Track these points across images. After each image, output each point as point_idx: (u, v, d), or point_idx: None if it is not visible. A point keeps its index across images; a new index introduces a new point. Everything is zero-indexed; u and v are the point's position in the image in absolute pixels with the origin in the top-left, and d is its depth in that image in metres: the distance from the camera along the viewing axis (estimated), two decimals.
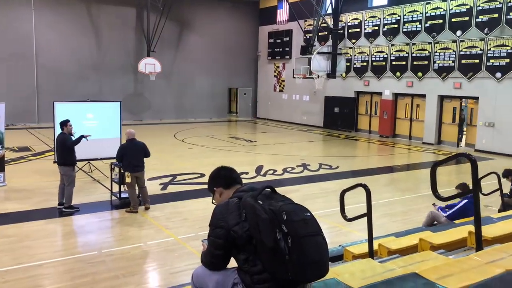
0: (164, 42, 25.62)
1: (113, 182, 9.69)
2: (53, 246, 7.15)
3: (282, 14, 26.97)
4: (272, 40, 28.38)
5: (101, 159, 11.79)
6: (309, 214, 2.31)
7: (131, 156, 8.88)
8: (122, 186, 9.32)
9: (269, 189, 2.45)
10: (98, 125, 11.78)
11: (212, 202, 2.75)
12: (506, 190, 8.50)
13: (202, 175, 12.23)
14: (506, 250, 2.74)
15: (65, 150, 8.87)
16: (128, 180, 8.79)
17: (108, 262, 6.52)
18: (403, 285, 2.28)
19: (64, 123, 9.05)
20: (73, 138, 9.02)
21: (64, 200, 8.87)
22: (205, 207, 9.22)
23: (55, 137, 10.08)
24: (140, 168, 8.98)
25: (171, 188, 10.98)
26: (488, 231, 4.35)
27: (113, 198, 9.61)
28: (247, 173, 12.49)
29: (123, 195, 9.40)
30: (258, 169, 13.28)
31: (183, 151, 16.43)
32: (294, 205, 2.33)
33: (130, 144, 8.99)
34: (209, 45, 27.98)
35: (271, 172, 12.99)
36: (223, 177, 2.74)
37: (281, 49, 27.65)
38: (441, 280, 2.25)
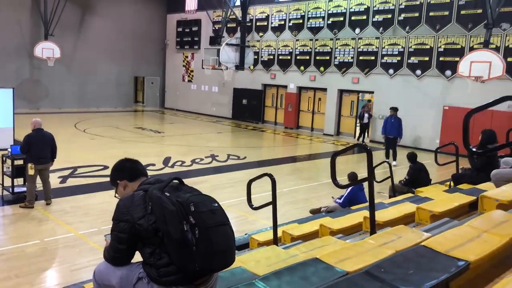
0: (64, 26, 23.90)
1: (4, 176, 8.90)
2: None
3: (191, 3, 26.55)
4: (180, 29, 27.88)
5: None
6: (216, 204, 2.31)
7: (37, 147, 8.24)
8: (16, 179, 8.61)
9: (176, 181, 2.41)
10: None
11: (115, 196, 2.65)
12: (398, 178, 9.31)
13: (106, 167, 11.71)
14: (396, 232, 3.02)
15: None
16: (31, 172, 8.14)
17: None
18: (305, 270, 2.41)
19: None
20: None
21: None
22: (109, 200, 8.84)
23: None
24: (45, 160, 8.37)
25: (71, 181, 10.37)
26: (380, 215, 4.73)
27: (5, 192, 8.83)
28: (154, 164, 12.21)
29: (17, 190, 8.68)
30: (166, 161, 13.05)
31: (85, 142, 15.57)
32: (201, 196, 2.32)
33: (37, 134, 8.31)
34: (114, 31, 26.69)
35: (179, 163, 12.84)
36: (128, 169, 2.65)
37: (190, 39, 27.28)
38: (340, 263, 2.42)
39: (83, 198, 9.13)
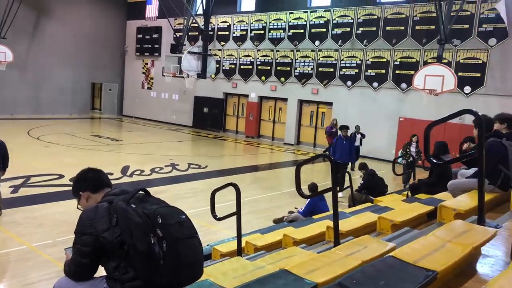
0: (18, 29, 22.97)
1: None
2: None
3: (152, 10, 26.27)
4: (140, 36, 27.46)
5: None
6: (184, 216, 2.26)
7: None
8: None
9: (142, 192, 2.34)
10: None
11: (78, 208, 2.54)
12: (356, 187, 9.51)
13: (61, 176, 11.28)
14: (361, 242, 3.06)
15: None
16: None
17: None
18: (275, 282, 2.40)
19: None
20: None
21: None
22: (65, 210, 8.53)
23: None
24: None
25: (24, 191, 9.91)
26: (343, 225, 4.77)
27: None
28: (112, 174, 11.87)
29: None
30: (124, 170, 12.73)
31: (39, 150, 14.96)
32: (169, 208, 2.26)
33: None
34: (71, 36, 25.93)
35: (138, 172, 12.56)
36: (91, 180, 2.55)
37: (150, 46, 26.91)
38: (309, 274, 2.42)
39: (37, 209, 8.73)
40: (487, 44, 15.33)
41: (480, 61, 15.50)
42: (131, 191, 2.33)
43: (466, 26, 15.70)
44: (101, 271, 2.33)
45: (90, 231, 2.22)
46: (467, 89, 15.71)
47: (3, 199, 8.51)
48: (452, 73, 14.28)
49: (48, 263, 6.28)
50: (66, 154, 14.53)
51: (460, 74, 15.39)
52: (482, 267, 2.71)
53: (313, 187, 8.13)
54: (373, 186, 9.27)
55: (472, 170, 5.54)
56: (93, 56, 27.14)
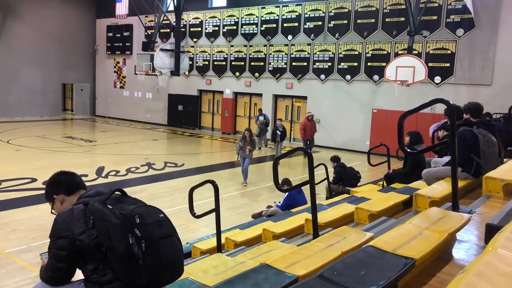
0: None
1: None
2: None
3: (122, 7, 25.81)
4: (111, 34, 26.96)
5: None
6: (162, 215, 2.24)
7: None
8: None
9: (118, 192, 2.30)
10: None
11: (52, 212, 2.48)
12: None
13: (34, 179, 11.01)
14: (340, 234, 3.10)
15: None
16: None
17: None
18: (256, 277, 2.39)
19: None
20: None
21: None
22: (39, 215, 8.34)
23: None
24: None
25: None
26: (321, 217, 4.82)
27: None
28: (86, 175, 11.67)
29: None
30: (99, 171, 12.51)
31: (9, 154, 14.56)
32: (146, 207, 2.24)
33: None
34: (39, 36, 25.24)
35: (113, 173, 12.36)
36: (64, 183, 2.49)
37: (121, 44, 26.46)
38: (290, 268, 2.43)
39: (10, 214, 8.49)
40: (455, 35, 15.68)
41: (449, 51, 15.84)
42: (106, 192, 2.29)
43: (435, 17, 16.01)
44: (78, 275, 2.29)
45: (66, 234, 2.17)
46: (437, 79, 16.04)
47: None
48: (422, 63, 14.57)
49: (23, 269, 6.12)
50: (38, 157, 14.18)
51: (430, 64, 15.70)
52: (458, 252, 2.78)
53: (286, 181, 8.15)
54: (347, 177, 9.45)
55: (445, 158, 5.67)
56: (62, 56, 26.51)
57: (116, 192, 2.30)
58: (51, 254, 2.22)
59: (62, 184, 2.48)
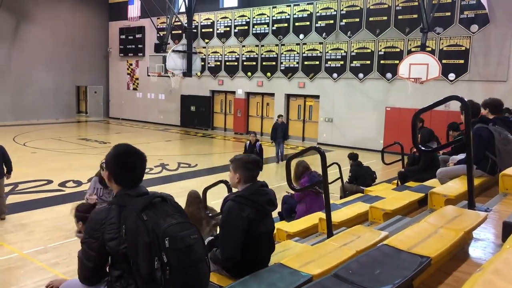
0: None
1: None
2: None
3: (134, 10, 26.01)
4: (123, 37, 27.21)
5: None
6: (196, 235, 2.13)
7: None
8: None
9: (159, 198, 2.19)
10: None
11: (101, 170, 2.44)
12: (346, 178, 9.55)
13: (49, 181, 11.16)
14: (354, 233, 3.08)
15: None
16: None
17: None
18: (271, 276, 2.40)
19: None
20: None
21: None
22: (55, 216, 8.46)
23: None
24: None
25: (12, 198, 9.76)
26: (335, 216, 4.80)
27: None
28: None
29: None
30: None
31: (25, 156, 14.77)
32: (181, 225, 2.12)
33: None
34: (53, 39, 25.59)
35: None
36: (119, 170, 2.29)
37: (133, 46, 26.69)
38: (304, 267, 2.43)
39: (27, 215, 8.62)
40: (469, 31, 15.49)
41: (463, 48, 15.65)
42: (146, 195, 2.20)
43: (448, 13, 15.83)
44: None
45: (98, 235, 2.14)
46: (452, 76, 15.86)
47: None
48: (436, 61, 14.42)
49: (41, 269, 6.21)
50: (53, 159, 14.37)
51: (444, 61, 15.53)
52: (475, 250, 2.74)
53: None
54: (362, 176, 9.34)
55: (460, 156, 5.60)
56: (76, 59, 26.84)
57: (156, 198, 2.19)
58: (83, 251, 2.21)
59: (117, 169, 2.30)
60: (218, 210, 4.95)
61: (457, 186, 4.36)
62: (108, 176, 2.31)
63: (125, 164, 2.28)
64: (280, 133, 15.40)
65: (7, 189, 10.36)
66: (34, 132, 20.76)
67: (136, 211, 2.08)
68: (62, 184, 10.93)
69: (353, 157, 9.82)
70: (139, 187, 2.28)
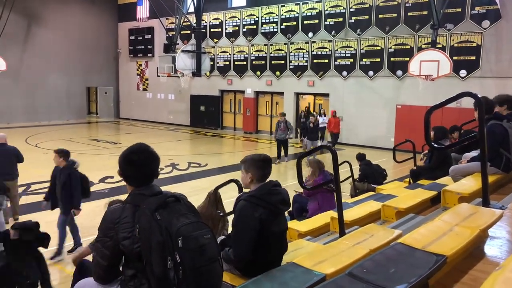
0: (9, 38, 22.84)
1: None
2: None
3: (142, 10, 26.16)
4: (133, 37, 27.36)
5: None
6: (209, 235, 2.13)
7: (1, 162, 7.98)
8: None
9: (172, 198, 2.19)
10: None
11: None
12: (356, 177, 9.50)
13: None
14: (367, 231, 3.05)
15: None
16: None
17: None
18: (283, 275, 2.38)
19: None
20: None
21: None
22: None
23: None
24: (11, 176, 8.14)
25: (26, 199, 9.88)
26: (347, 215, 4.77)
27: None
28: (112, 177, 11.84)
29: None
30: None
31: (37, 157, 14.91)
32: (194, 224, 2.11)
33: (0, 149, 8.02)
34: (63, 41, 25.82)
35: None
36: (134, 172, 2.31)
37: (143, 47, 26.82)
38: (317, 266, 2.41)
39: (40, 216, 8.67)
40: (480, 27, 15.31)
41: (475, 44, 15.47)
42: (161, 197, 2.20)
43: (459, 9, 15.66)
44: None
45: (112, 234, 2.14)
46: (463, 72, 15.69)
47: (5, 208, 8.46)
48: (447, 57, 14.26)
49: (53, 269, 6.25)
50: None
51: (455, 58, 15.37)
52: (491, 249, 2.70)
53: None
54: (372, 175, 9.27)
55: (473, 153, 5.52)
56: (86, 61, 27.05)
57: (169, 198, 2.19)
58: (96, 249, 2.22)
59: (125, 167, 2.32)
60: (227, 210, 4.95)
61: (470, 183, 4.30)
62: (120, 175, 2.35)
63: (133, 162, 2.29)
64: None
65: (20, 189, 10.49)
66: (46, 133, 20.96)
67: (150, 210, 2.08)
68: None
69: (360, 158, 9.79)
70: (153, 186, 2.29)
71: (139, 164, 2.29)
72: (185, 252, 2.01)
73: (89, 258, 4.58)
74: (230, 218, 2.80)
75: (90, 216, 8.27)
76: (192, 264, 2.01)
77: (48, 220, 8.43)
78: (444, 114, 13.90)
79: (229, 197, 7.14)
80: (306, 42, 19.95)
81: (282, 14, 20.71)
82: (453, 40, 15.93)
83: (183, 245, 2.01)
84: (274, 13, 21.00)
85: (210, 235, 2.13)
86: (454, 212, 2.92)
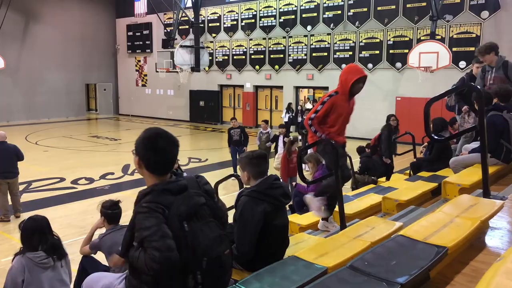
0: (7, 35, 22.78)
1: None
2: None
3: (140, 6, 26.04)
4: (131, 33, 27.26)
5: None
6: (228, 250, 2.07)
7: (2, 160, 8.00)
8: None
9: (199, 198, 2.07)
10: None
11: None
12: (357, 169, 9.51)
13: (62, 179, 11.25)
14: (368, 224, 3.06)
15: None
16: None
17: None
18: (285, 269, 2.39)
19: None
20: None
21: None
22: (69, 213, 8.54)
23: None
24: (12, 174, 8.19)
25: (26, 196, 9.88)
26: (348, 208, 4.78)
27: None
28: (113, 173, 11.85)
29: None
30: (125, 168, 12.69)
31: (38, 155, 14.91)
32: (217, 239, 2.00)
33: (0, 148, 8.05)
34: (61, 38, 25.73)
35: None
36: (153, 157, 2.07)
37: (141, 43, 26.73)
38: (318, 259, 2.41)
39: (41, 213, 8.65)
40: (479, 17, 15.25)
41: (474, 35, 15.42)
42: (186, 188, 2.04)
43: (458, 0, 15.59)
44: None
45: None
46: (462, 64, 15.65)
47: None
48: (446, 49, 14.22)
49: None
50: (65, 157, 14.48)
51: (454, 49, 15.32)
52: (491, 240, 2.71)
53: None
54: (373, 167, 9.30)
55: (473, 144, 5.52)
56: (85, 57, 26.98)
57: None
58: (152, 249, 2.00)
59: (147, 153, 2.07)
60: (228, 205, 4.96)
61: (470, 175, 4.30)
62: (138, 162, 2.09)
63: (156, 148, 2.04)
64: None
65: (20, 187, 10.50)
66: (46, 131, 20.95)
67: (180, 219, 1.92)
68: (75, 182, 11.02)
69: (360, 150, 9.83)
70: (177, 177, 2.12)
71: (163, 148, 2.06)
72: (207, 273, 1.92)
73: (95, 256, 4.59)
74: (230, 214, 2.79)
75: (82, 216, 8.31)
76: (211, 282, 1.96)
77: (50, 217, 8.46)
78: (444, 106, 13.86)
79: (229, 192, 7.17)
80: (305, 36, 19.89)
81: (280, 8, 20.62)
82: (452, 31, 15.87)
83: (207, 267, 1.91)
84: (272, 6, 20.92)
85: (229, 249, 2.08)
86: (454, 203, 2.92)
